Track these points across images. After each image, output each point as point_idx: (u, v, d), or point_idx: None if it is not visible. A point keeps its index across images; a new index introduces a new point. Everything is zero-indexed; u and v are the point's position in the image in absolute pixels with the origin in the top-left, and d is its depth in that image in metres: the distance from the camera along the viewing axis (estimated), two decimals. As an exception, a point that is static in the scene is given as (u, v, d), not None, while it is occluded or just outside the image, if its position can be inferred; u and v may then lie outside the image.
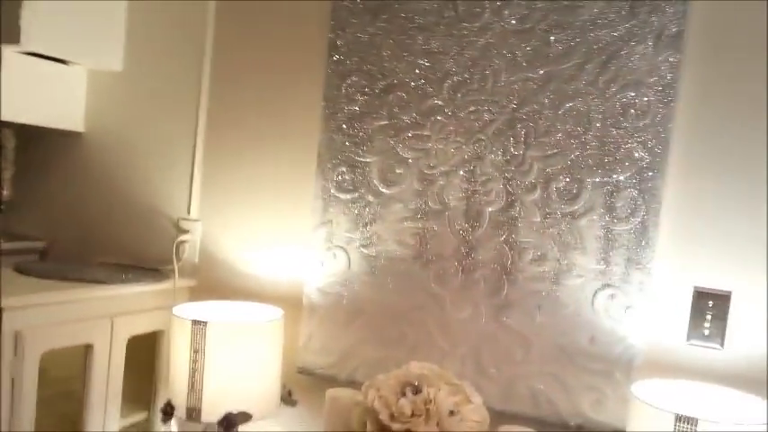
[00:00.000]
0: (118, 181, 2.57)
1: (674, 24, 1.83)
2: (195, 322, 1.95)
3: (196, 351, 1.96)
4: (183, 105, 2.48)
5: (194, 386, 1.95)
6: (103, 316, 2.14)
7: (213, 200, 2.45)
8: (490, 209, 2.03)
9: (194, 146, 2.47)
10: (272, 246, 2.35)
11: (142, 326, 2.29)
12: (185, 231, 2.47)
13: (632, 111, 1.87)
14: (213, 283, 2.41)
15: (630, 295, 1.88)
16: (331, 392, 2.05)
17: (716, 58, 1.83)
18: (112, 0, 2.51)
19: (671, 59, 1.83)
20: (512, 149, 2.00)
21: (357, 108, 2.18)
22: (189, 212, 2.48)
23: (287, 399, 2.14)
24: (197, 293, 2.40)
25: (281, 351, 2.11)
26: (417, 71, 2.10)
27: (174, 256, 2.41)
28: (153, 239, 2.50)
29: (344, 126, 2.19)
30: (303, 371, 2.25)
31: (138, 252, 2.50)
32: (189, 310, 2.08)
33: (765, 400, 1.67)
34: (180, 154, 2.48)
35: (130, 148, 2.55)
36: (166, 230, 2.49)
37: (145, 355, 2.37)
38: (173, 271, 2.39)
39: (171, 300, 2.28)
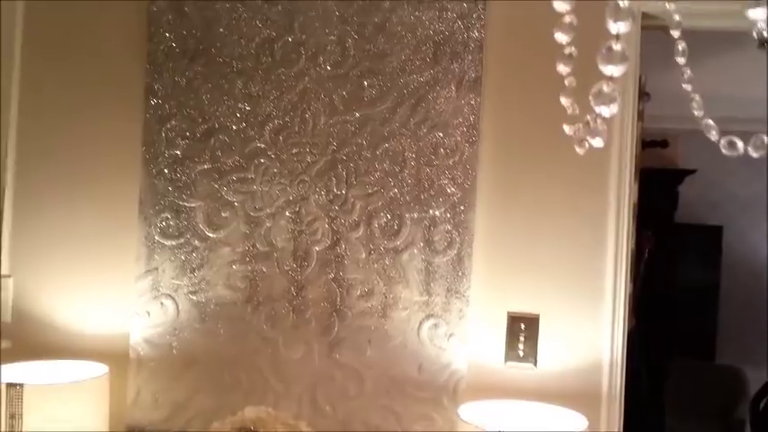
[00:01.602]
0: None
1: (472, 71, 1.99)
2: (9, 385, 1.82)
3: (12, 416, 1.83)
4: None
5: (12, 456, 1.81)
6: None
7: (26, 253, 2.30)
8: (317, 248, 2.07)
9: (1, 195, 2.30)
10: (94, 298, 2.24)
11: (-53, 397, 2.08)
12: (-5, 289, 2.29)
13: (442, 150, 2.00)
14: (30, 343, 2.24)
15: (452, 323, 1.99)
16: (163, 448, 1.97)
17: (510, 100, 2.01)
18: None
19: (472, 102, 1.99)
20: (334, 189, 2.06)
21: (178, 152, 2.15)
22: (-2, 268, 2.31)
23: (116, 459, 2.04)
24: (12, 356, 2.21)
25: (107, 410, 2.00)
26: (238, 115, 2.11)
27: (-18, 316, 2.23)
28: (-43, 300, 2.29)
29: (166, 171, 2.15)
30: (133, 429, 2.15)
31: (-60, 315, 2.29)
32: (4, 374, 1.92)
33: (575, 412, 1.81)
34: (-15, 205, 2.31)
35: (-73, 201, 2.34)
36: (-27, 289, 2.29)
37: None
38: (-18, 333, 2.21)
39: (-19, 365, 2.10)
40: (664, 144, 4.40)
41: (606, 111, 0.63)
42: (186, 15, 2.14)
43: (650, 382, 4.09)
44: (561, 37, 0.70)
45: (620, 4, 0.57)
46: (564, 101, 0.79)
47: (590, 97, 0.63)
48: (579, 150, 0.74)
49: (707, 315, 4.95)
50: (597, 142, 0.72)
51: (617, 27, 0.58)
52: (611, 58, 0.60)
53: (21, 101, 2.32)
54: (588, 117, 0.70)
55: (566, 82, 0.78)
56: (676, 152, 4.54)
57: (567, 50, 0.74)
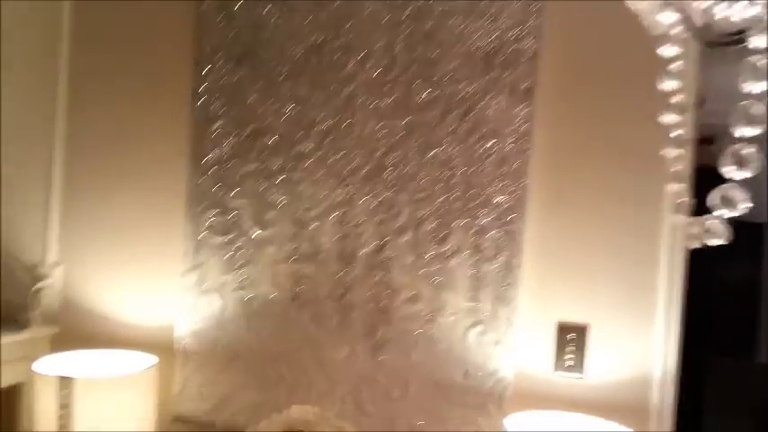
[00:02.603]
0: (-36, 225, 2.38)
1: (525, 80, 1.94)
2: (61, 378, 1.86)
3: (63, 407, 1.87)
4: (36, 141, 2.33)
5: (62, 444, 1.86)
6: (-46, 371, 1.99)
7: (75, 242, 2.34)
8: (363, 251, 2.06)
9: (50, 185, 2.33)
10: (142, 290, 2.27)
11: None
12: (44, 276, 2.33)
13: (492, 158, 1.97)
14: (77, 330, 2.29)
15: (499, 331, 1.98)
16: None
17: (563, 109, 1.96)
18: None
19: (524, 111, 1.94)
20: (381, 194, 2.04)
21: (225, 152, 2.14)
22: (47, 256, 2.34)
23: (163, 448, 2.09)
24: (60, 342, 2.27)
25: (155, 400, 2.05)
26: (285, 117, 2.09)
27: (31, 303, 2.27)
28: (8, 286, 2.33)
29: (213, 170, 2.15)
30: (180, 419, 2.20)
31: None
32: (53, 364, 1.97)
33: (623, 426, 1.80)
34: (35, 194, 2.34)
35: (-23, 189, 2.37)
36: (23, 276, 2.33)
37: (4, 410, 2.22)
38: (31, 320, 2.25)
39: (31, 351, 2.16)
40: (709, 141, 4.24)
41: (731, 213, 0.60)
42: (235, 17, 2.12)
43: (689, 379, 4.05)
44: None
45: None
46: (673, 188, 0.72)
47: (714, 202, 0.59)
48: (689, 245, 0.69)
49: (748, 313, 4.86)
50: (717, 242, 0.67)
51: (750, 130, 0.54)
52: (744, 161, 0.56)
53: (69, 96, 2.34)
54: (705, 219, 0.65)
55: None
56: (721, 150, 4.39)
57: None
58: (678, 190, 0.74)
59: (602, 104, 1.93)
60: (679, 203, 0.76)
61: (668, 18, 0.63)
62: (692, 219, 0.71)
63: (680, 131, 0.70)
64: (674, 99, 0.66)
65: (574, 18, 1.94)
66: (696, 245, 0.69)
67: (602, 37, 1.91)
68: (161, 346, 2.19)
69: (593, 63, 1.94)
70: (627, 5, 0.70)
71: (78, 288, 2.33)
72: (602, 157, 1.93)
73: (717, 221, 0.63)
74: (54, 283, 2.34)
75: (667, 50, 0.65)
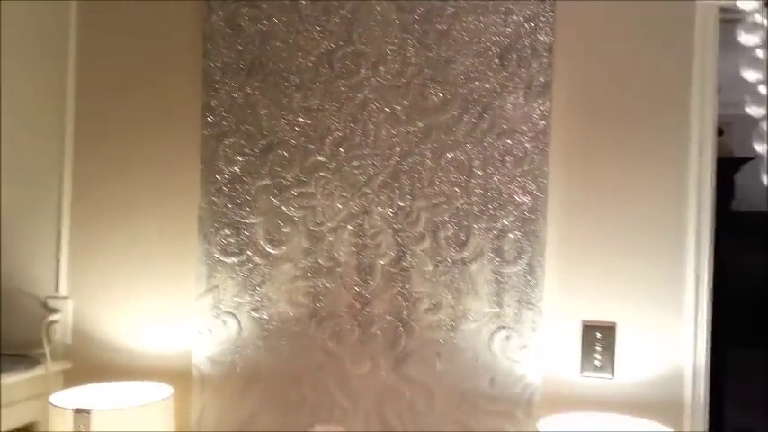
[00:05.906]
0: (-27, 261, 2.35)
1: (541, 75, 1.94)
2: (77, 411, 1.81)
3: (80, 442, 1.81)
4: (44, 171, 2.31)
5: (79, 482, 1.80)
6: (-35, 412, 1.93)
7: (84, 273, 2.30)
8: (382, 262, 2.03)
9: (59, 215, 2.31)
10: (155, 318, 2.23)
11: (13, 419, 2.08)
12: (55, 310, 2.29)
13: (510, 157, 1.95)
14: (91, 364, 2.23)
15: (524, 335, 1.94)
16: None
17: (581, 104, 1.96)
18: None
19: (541, 108, 1.93)
20: (398, 201, 2.02)
21: (237, 169, 2.13)
22: (57, 289, 2.31)
23: (183, 481, 2.02)
24: (73, 378, 2.22)
25: (174, 429, 1.99)
26: (297, 129, 2.09)
27: (44, 338, 2.22)
28: (18, 322, 2.30)
29: (225, 188, 2.13)
30: (199, 448, 2.14)
31: (2, 337, 2.28)
32: (68, 398, 1.93)
33: (657, 423, 1.76)
34: (43, 225, 2.31)
35: (-15, 223, 2.35)
36: (33, 311, 2.29)
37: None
38: (44, 355, 2.20)
39: (44, 387, 2.10)
40: (719, 132, 4.21)
41: None
42: (242, 30, 2.12)
43: (711, 375, 3.98)
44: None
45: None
46: None
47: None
48: None
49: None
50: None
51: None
52: None
53: (76, 124, 2.32)
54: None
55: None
56: (731, 140, 4.38)
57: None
58: None
59: (619, 95, 1.93)
60: None
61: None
62: None
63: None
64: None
65: (587, 7, 1.94)
66: None
67: (616, 24, 1.92)
68: (178, 373, 2.15)
69: (608, 52, 1.94)
70: None
71: (90, 320, 2.30)
72: (622, 151, 1.92)
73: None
74: (65, 316, 2.30)
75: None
